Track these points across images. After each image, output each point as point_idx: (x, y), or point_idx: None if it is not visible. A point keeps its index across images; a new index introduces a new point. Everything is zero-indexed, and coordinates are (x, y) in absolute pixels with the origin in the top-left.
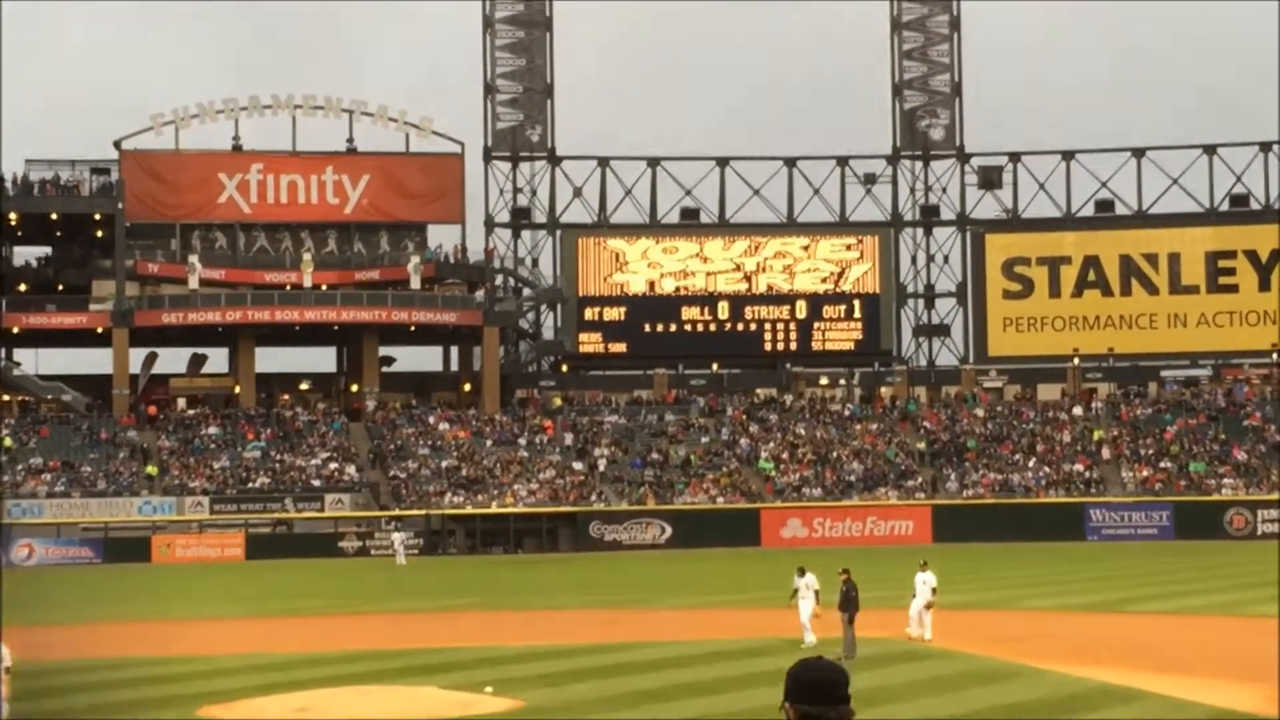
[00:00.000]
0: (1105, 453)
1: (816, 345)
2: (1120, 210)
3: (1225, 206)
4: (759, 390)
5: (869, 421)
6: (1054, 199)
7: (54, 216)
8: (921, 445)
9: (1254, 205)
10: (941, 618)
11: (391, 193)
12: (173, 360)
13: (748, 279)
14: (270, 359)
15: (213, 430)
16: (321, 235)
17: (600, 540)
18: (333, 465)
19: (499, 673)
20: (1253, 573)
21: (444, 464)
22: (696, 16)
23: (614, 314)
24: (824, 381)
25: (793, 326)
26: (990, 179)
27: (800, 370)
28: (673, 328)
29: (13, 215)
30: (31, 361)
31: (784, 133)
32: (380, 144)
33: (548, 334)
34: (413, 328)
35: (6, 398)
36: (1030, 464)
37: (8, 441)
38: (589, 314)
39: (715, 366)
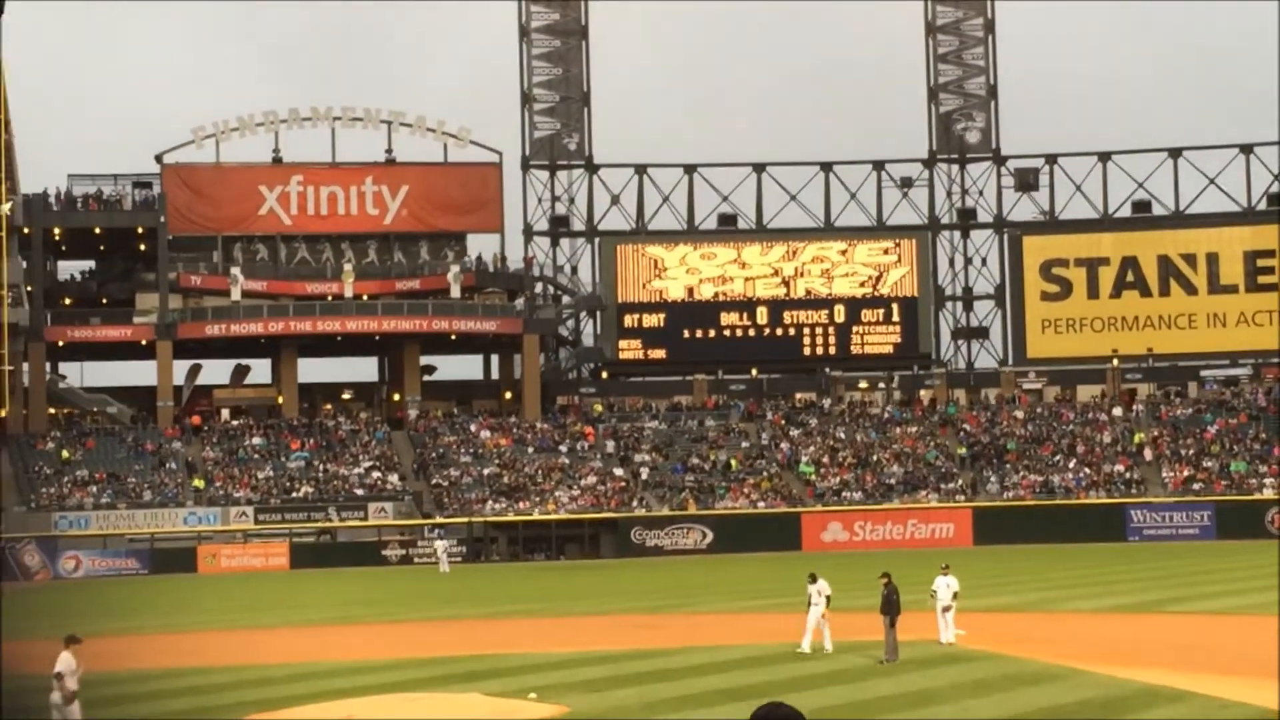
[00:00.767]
0: (1147, 454)
1: (855, 349)
2: (1158, 210)
3: (1263, 205)
4: (798, 394)
5: (909, 424)
6: (1091, 200)
7: (97, 231)
8: (962, 450)
9: None
10: (984, 620)
11: (431, 203)
12: (216, 372)
13: (786, 284)
14: (312, 369)
15: (256, 440)
16: (362, 246)
17: (642, 546)
18: (375, 474)
19: (542, 679)
20: None
21: (486, 471)
22: (732, 23)
23: (653, 320)
24: (863, 385)
25: (831, 331)
26: (1027, 181)
27: (839, 374)
28: (712, 333)
29: (57, 230)
30: (77, 374)
31: (820, 138)
32: (419, 154)
33: (587, 341)
34: (453, 336)
35: (53, 411)
36: (1070, 465)
37: (65, 454)
38: (628, 321)
39: (754, 371)
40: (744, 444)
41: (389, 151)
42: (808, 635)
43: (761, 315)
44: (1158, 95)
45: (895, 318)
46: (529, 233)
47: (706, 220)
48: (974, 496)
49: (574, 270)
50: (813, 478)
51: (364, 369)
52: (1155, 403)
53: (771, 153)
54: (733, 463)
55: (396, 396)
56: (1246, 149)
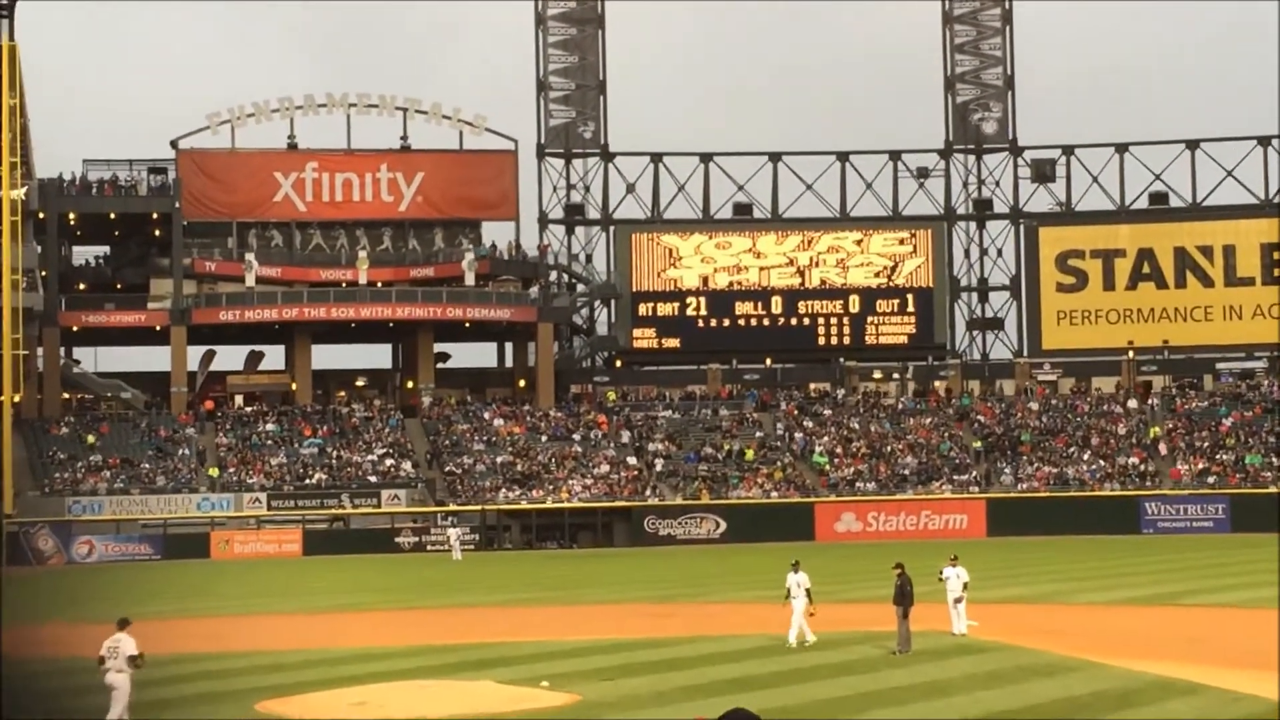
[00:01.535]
0: (1162, 448)
1: (870, 339)
2: (1175, 203)
3: None
4: (812, 385)
5: (923, 415)
6: (1108, 192)
7: (112, 216)
8: (976, 441)
9: None
10: (997, 611)
11: (446, 190)
12: (230, 358)
13: (801, 274)
14: (326, 356)
15: (270, 427)
16: (376, 233)
17: (655, 535)
18: (389, 461)
19: (555, 667)
20: None
21: (499, 459)
22: (748, 12)
23: (667, 309)
24: (877, 375)
25: (846, 321)
26: (1043, 172)
27: (854, 364)
28: (726, 323)
29: (71, 215)
30: (90, 360)
31: (836, 127)
32: (434, 142)
33: (601, 329)
34: (468, 324)
35: (67, 396)
36: (1085, 457)
37: (89, 439)
38: (643, 309)
39: (769, 361)
40: (758, 434)
41: (404, 138)
42: (794, 628)
43: (776, 305)
44: (1175, 87)
45: (910, 308)
46: (544, 221)
47: (722, 209)
48: (988, 488)
49: (589, 258)
50: (826, 468)
51: (378, 356)
52: (1170, 395)
53: (787, 142)
54: (748, 452)
55: (410, 384)
56: (1264, 141)
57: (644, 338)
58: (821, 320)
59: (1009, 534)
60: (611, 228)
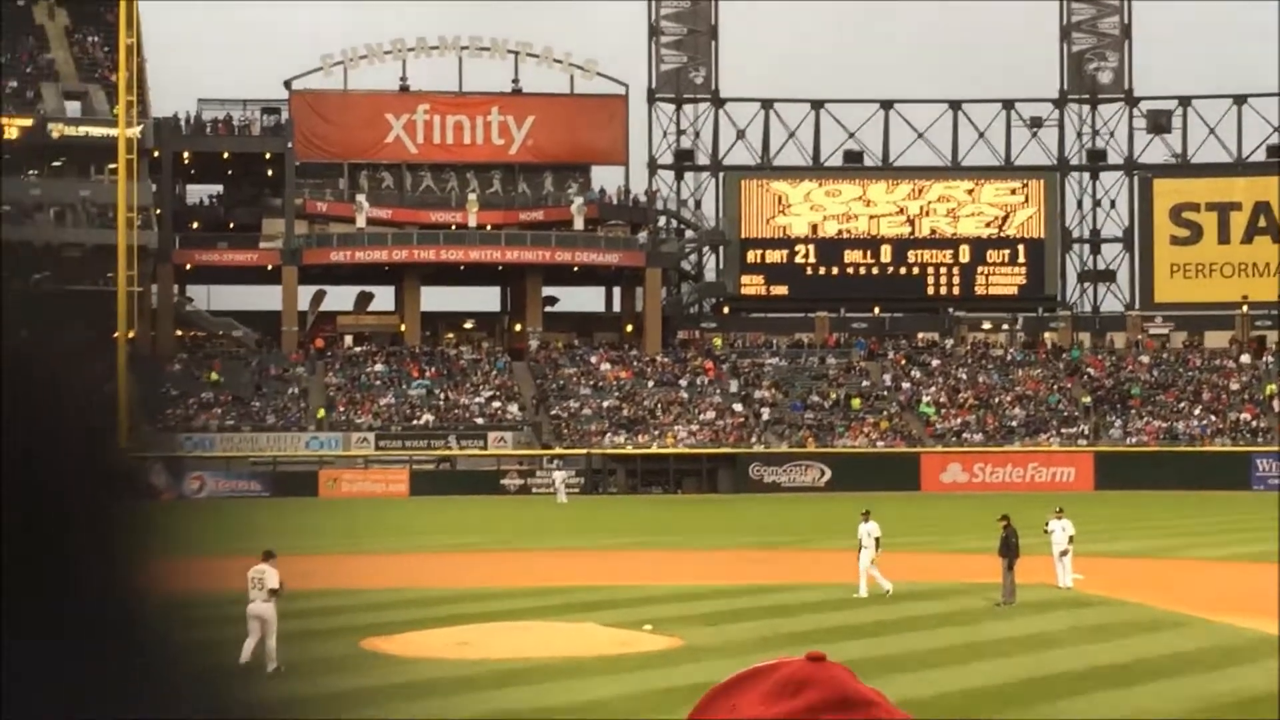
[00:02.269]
0: (1275, 404)
1: (979, 290)
2: None
3: None
4: (920, 334)
5: (1032, 367)
6: (1224, 144)
7: (225, 155)
8: (1085, 395)
9: None
10: (1103, 565)
11: (556, 134)
12: (340, 298)
13: (911, 223)
14: (435, 298)
15: (379, 368)
16: (486, 176)
17: (760, 482)
18: (496, 404)
19: (658, 611)
20: None
21: (605, 404)
22: None
23: (776, 256)
24: (986, 326)
25: (955, 271)
26: (1159, 123)
27: (962, 315)
28: (835, 271)
29: (186, 154)
30: (203, 298)
31: (949, 75)
32: (545, 85)
33: (709, 276)
34: (576, 268)
35: (180, 333)
36: (1196, 412)
37: (212, 375)
38: (751, 256)
39: (877, 310)
40: (864, 383)
41: (515, 82)
42: (863, 580)
43: (885, 254)
44: None
45: (1021, 259)
46: (653, 166)
47: (832, 157)
48: (1096, 441)
49: (698, 204)
50: (933, 418)
51: (486, 299)
52: None
53: (899, 89)
54: (854, 401)
55: (518, 327)
56: None
57: (752, 285)
58: (931, 270)
59: (1116, 488)
60: (721, 174)
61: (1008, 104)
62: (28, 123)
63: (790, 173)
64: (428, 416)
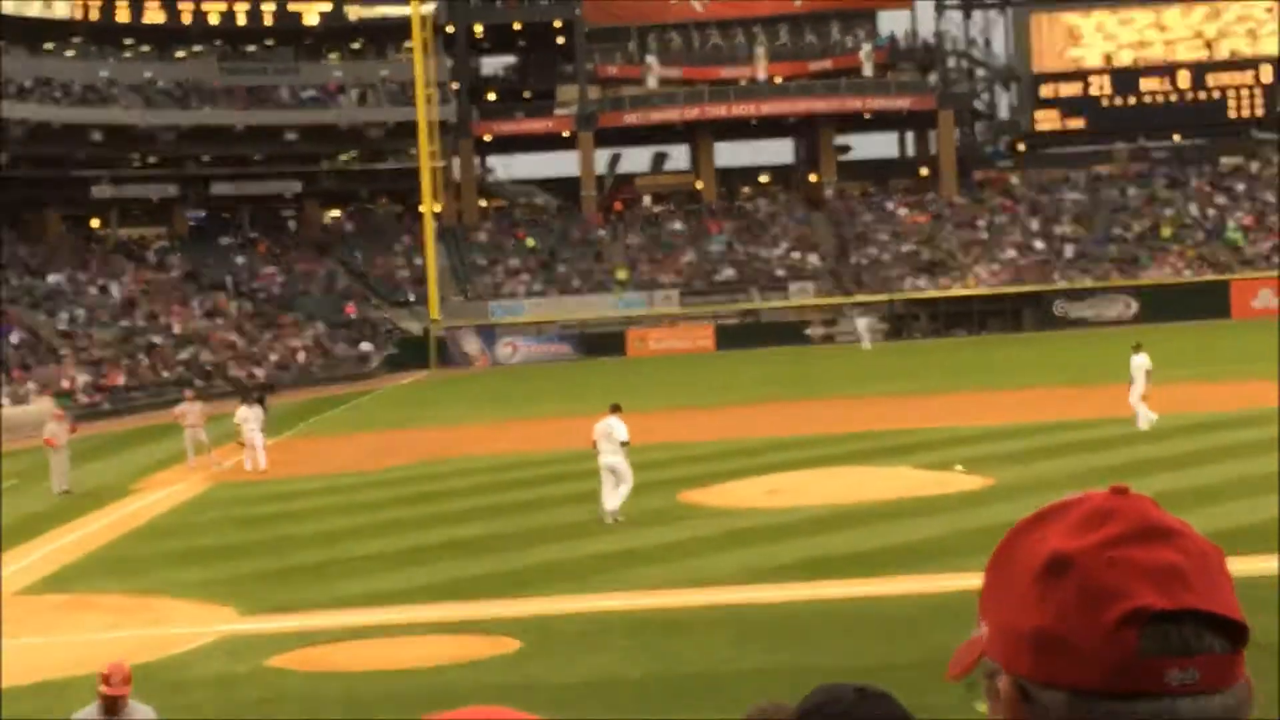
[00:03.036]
0: None
1: None
2: None
3: None
4: (1224, 159)
5: None
6: None
7: (516, 26)
8: None
9: None
10: None
11: None
12: (635, 160)
13: (1208, 46)
14: (729, 153)
15: (677, 226)
16: (773, 28)
17: (1065, 319)
18: (795, 255)
19: (968, 452)
20: None
21: (904, 249)
22: None
23: (1070, 90)
24: None
25: (1257, 92)
26: None
27: (1267, 136)
28: (1131, 100)
29: (478, 27)
30: (503, 168)
31: None
32: None
33: (1003, 114)
34: (867, 115)
35: (483, 204)
36: None
37: (530, 242)
38: (1045, 91)
39: (1177, 138)
40: (1168, 212)
41: None
42: (1140, 411)
43: (1183, 79)
44: None
45: None
46: (940, 6)
47: None
48: None
49: (987, 43)
50: (1241, 244)
51: (780, 151)
52: None
53: None
54: (1163, 229)
55: (813, 177)
56: None
57: (1047, 120)
58: (1232, 92)
59: None
60: (1010, 10)
61: None
62: (327, 7)
63: (1081, 3)
64: (729, 271)
